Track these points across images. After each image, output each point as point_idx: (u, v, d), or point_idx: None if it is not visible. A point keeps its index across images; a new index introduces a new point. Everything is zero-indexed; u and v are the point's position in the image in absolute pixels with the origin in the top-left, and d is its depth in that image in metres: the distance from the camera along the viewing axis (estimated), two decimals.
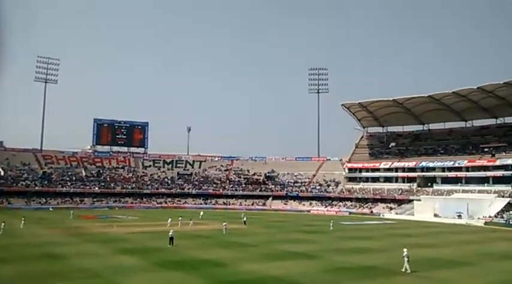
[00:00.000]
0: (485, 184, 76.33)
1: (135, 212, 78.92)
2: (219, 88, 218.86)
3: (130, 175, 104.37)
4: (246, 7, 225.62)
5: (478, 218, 65.23)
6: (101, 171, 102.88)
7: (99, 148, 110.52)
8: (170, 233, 35.39)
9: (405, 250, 26.23)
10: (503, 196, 69.66)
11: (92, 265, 25.80)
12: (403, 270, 25.39)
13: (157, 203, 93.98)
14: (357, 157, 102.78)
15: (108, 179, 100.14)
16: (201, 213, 67.50)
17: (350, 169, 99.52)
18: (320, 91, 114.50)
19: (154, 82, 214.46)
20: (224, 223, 46.97)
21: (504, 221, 61.55)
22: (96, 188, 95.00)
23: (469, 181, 79.75)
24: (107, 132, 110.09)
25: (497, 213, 64.89)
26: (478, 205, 67.76)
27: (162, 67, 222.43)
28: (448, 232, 52.44)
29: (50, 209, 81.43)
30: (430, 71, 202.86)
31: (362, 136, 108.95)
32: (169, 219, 52.82)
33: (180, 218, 53.46)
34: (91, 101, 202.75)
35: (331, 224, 53.66)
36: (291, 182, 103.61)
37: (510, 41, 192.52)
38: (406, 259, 25.55)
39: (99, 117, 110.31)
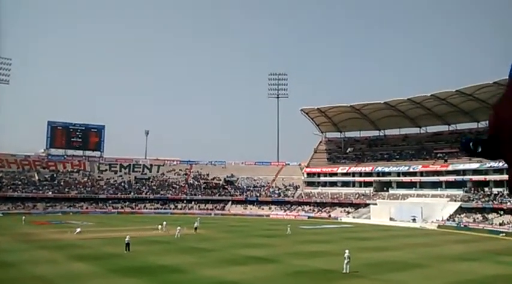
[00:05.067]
0: (438, 189, 78.73)
1: (91, 217, 76.85)
2: (178, 91, 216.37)
3: (86, 179, 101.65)
4: (206, 9, 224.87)
5: (432, 221, 67.20)
6: (55, 175, 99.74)
7: (53, 151, 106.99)
8: (126, 239, 34.65)
9: (347, 251, 26.88)
10: (455, 200, 72.06)
11: (45, 272, 24.93)
12: (343, 272, 25.93)
13: (114, 208, 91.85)
14: (315, 162, 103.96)
15: (62, 183, 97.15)
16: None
17: (309, 174, 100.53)
18: (280, 96, 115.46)
19: (111, 85, 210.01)
20: (178, 228, 46.46)
21: (456, 225, 63.68)
22: (50, 193, 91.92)
23: (423, 185, 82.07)
24: (61, 135, 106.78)
25: (450, 217, 67.08)
26: (431, 209, 69.81)
27: (118, 69, 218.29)
28: (402, 235, 53.72)
29: (0, 215, 78.19)
30: (387, 77, 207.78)
31: (320, 141, 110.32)
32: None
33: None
34: (45, 103, 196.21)
35: (289, 228, 53.71)
36: (250, 186, 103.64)
37: (461, 47, 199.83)
38: (346, 260, 26.19)
39: (54, 119, 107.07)
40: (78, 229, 47.34)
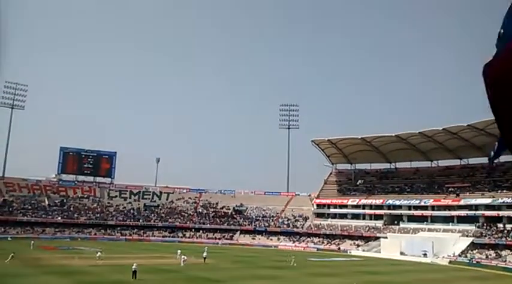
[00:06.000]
0: (450, 224, 77.57)
1: (99, 244, 76.51)
2: (190, 120, 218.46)
3: (95, 205, 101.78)
4: (220, 41, 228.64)
5: (443, 257, 65.97)
6: (65, 201, 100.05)
7: (64, 177, 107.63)
8: (133, 266, 34.48)
9: None
10: (467, 236, 70.86)
11: None
12: None
13: (122, 235, 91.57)
14: (325, 193, 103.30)
15: (72, 209, 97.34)
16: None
17: (318, 205, 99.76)
18: (290, 127, 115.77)
19: (123, 112, 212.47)
20: (183, 257, 46.12)
21: (468, 261, 62.39)
22: (59, 218, 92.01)
23: (434, 220, 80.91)
24: (73, 160, 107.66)
25: (461, 252, 65.84)
26: (442, 244, 68.63)
27: (131, 96, 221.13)
28: (413, 270, 52.78)
29: (9, 239, 78.12)
30: (399, 110, 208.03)
31: (331, 173, 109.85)
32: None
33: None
34: (58, 129, 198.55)
35: (293, 259, 51.60)
36: (259, 216, 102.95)
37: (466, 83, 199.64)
38: None
39: (66, 145, 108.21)
40: (99, 254, 47.35)
